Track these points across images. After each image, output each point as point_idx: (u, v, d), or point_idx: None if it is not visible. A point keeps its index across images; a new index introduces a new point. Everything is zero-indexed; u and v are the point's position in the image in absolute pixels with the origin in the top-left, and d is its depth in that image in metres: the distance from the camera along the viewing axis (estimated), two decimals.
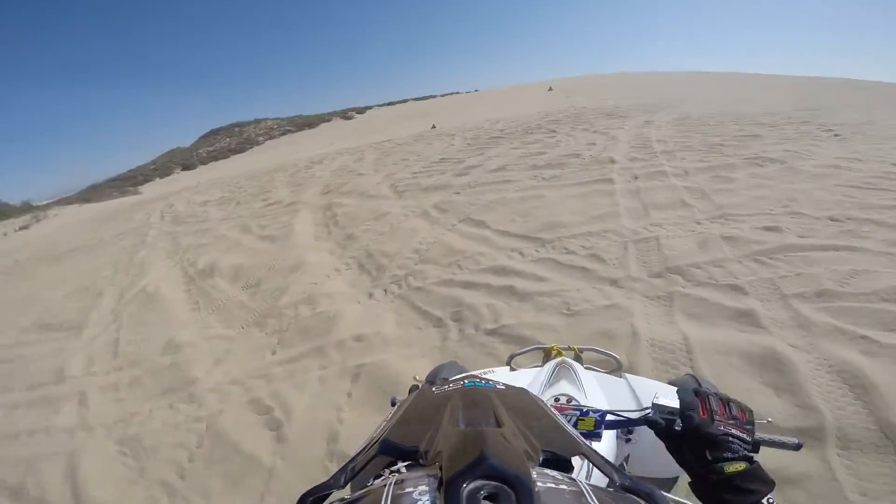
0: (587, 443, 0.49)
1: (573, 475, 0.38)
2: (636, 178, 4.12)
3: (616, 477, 0.41)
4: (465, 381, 0.62)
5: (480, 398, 0.53)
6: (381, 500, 0.31)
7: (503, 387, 0.60)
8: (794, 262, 2.52)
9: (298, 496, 0.38)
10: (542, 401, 0.61)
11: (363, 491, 0.36)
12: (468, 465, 0.32)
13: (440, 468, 0.34)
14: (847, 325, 2.05)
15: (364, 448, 0.49)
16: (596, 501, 0.32)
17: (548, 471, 0.37)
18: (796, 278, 2.40)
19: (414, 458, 0.44)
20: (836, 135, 5.81)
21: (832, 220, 2.95)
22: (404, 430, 0.50)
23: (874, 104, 9.71)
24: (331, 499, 0.40)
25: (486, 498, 0.29)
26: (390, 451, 0.46)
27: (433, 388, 0.60)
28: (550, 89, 22.41)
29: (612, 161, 4.80)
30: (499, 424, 0.45)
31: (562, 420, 0.55)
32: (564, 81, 30.65)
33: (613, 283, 2.66)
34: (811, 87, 15.59)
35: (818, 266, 2.45)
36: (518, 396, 0.58)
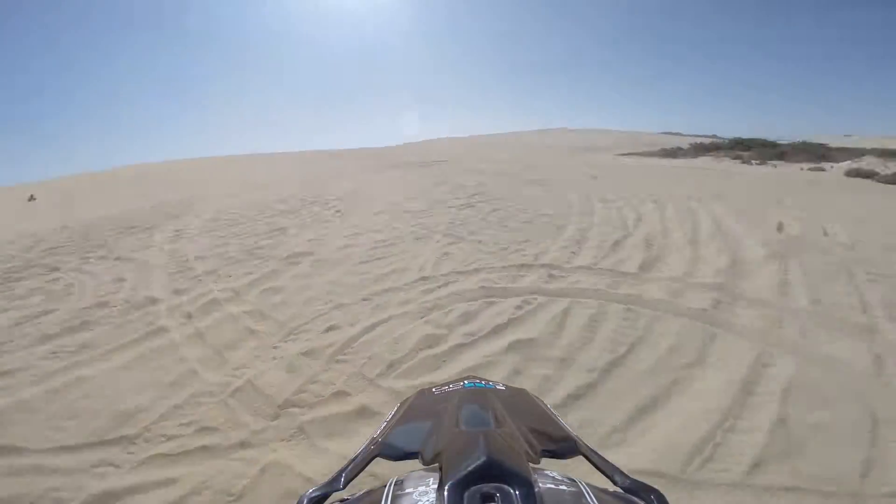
0: (587, 443, 0.49)
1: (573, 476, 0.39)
2: (190, 317, 3.66)
3: (617, 478, 0.42)
4: (465, 381, 0.62)
5: (480, 398, 0.53)
6: (381, 501, 0.33)
7: (503, 387, 0.61)
8: (361, 349, 3.02)
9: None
10: (542, 401, 0.61)
11: (363, 491, 0.38)
12: (468, 465, 0.32)
13: (440, 469, 0.35)
14: (416, 384, 2.64)
15: (364, 448, 0.48)
16: (596, 501, 0.33)
17: (548, 471, 0.38)
18: (370, 361, 2.87)
19: (414, 459, 0.44)
20: (337, 211, 7.64)
21: (364, 300, 3.78)
22: (404, 431, 0.49)
23: (356, 171, 13.59)
24: (331, 499, 0.40)
25: (486, 498, 0.29)
26: (390, 452, 0.46)
27: (433, 389, 0.61)
28: (33, 198, 15.87)
29: (154, 301, 4.03)
30: (499, 425, 0.44)
31: (561, 421, 0.54)
32: (48, 183, 23.76)
33: (245, 445, 2.24)
34: (303, 163, 20.03)
35: (376, 345, 3.05)
36: (518, 397, 0.59)
